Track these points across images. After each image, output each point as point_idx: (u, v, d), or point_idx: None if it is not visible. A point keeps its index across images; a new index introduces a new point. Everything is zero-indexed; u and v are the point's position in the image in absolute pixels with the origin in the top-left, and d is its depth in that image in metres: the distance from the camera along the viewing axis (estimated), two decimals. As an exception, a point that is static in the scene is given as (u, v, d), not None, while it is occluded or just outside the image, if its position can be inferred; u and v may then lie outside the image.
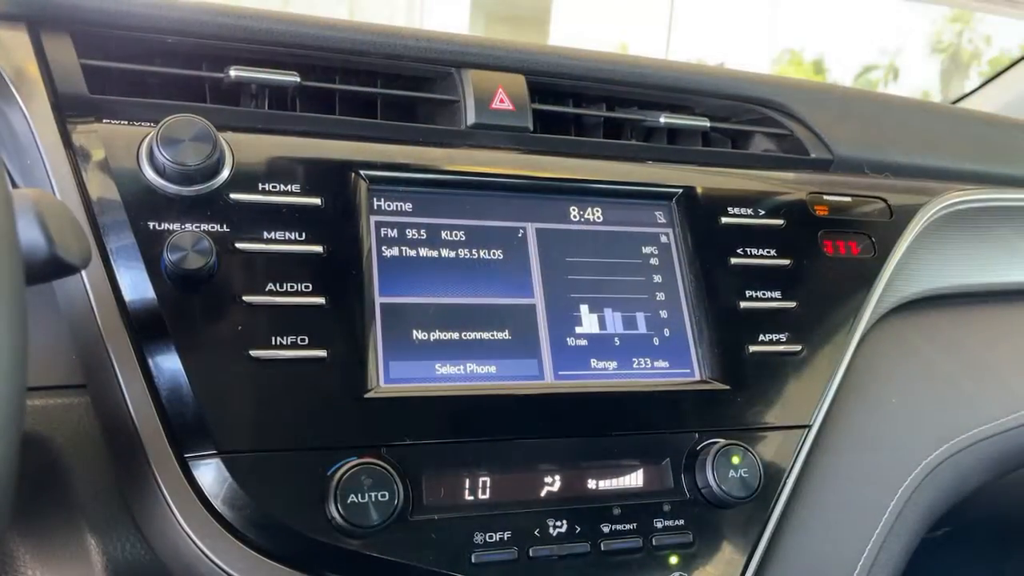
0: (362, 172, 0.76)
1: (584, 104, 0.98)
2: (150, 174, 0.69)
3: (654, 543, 0.76)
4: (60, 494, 0.69)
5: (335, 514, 0.65)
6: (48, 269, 0.52)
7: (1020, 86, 1.53)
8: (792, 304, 0.87)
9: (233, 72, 0.80)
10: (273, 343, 0.68)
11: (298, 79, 0.82)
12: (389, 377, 0.72)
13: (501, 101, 0.88)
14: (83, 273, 0.67)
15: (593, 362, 0.79)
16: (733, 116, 1.06)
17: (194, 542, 0.65)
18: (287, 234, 0.71)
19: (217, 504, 0.65)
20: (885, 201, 0.99)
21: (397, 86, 0.89)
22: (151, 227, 0.68)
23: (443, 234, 0.78)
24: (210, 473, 0.65)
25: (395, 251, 0.76)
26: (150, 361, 0.66)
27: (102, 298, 0.67)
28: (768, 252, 0.89)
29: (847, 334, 0.90)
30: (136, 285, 0.67)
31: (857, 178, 1.03)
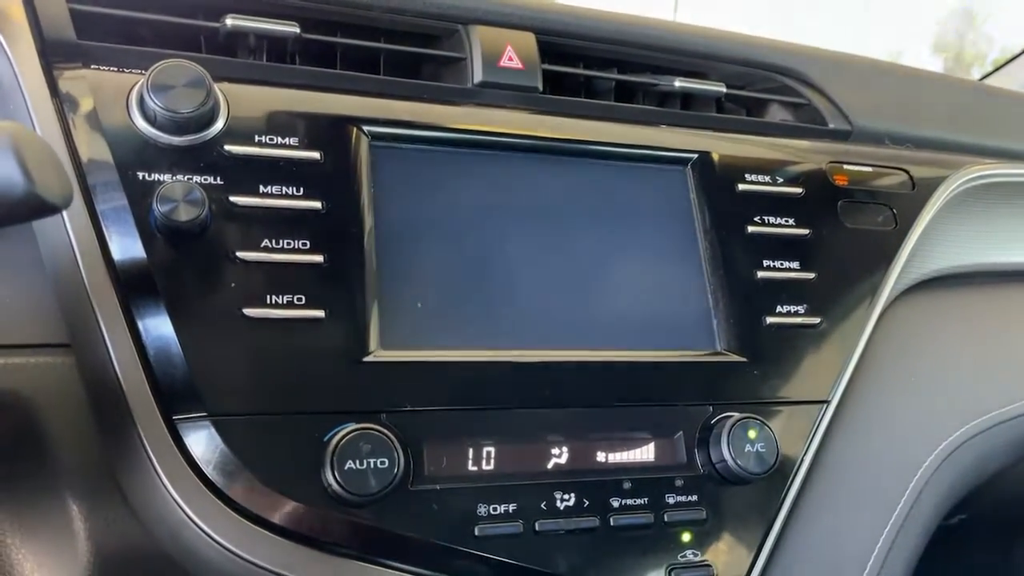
0: (364, 127, 0.73)
1: (596, 67, 0.94)
2: (140, 122, 0.66)
3: (666, 519, 0.73)
4: (42, 458, 0.66)
5: (331, 481, 0.62)
6: (25, 208, 0.48)
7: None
8: (811, 275, 0.84)
9: (229, 21, 0.76)
10: (268, 302, 0.65)
11: (297, 30, 0.78)
12: None
13: (510, 59, 0.85)
14: (68, 225, 0.64)
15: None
16: (749, 83, 1.02)
17: (182, 508, 0.62)
18: (284, 188, 0.68)
19: (206, 469, 0.62)
20: (907, 172, 0.96)
21: (401, 42, 0.85)
22: (140, 178, 0.64)
23: None
24: (199, 437, 0.62)
25: None
26: (138, 319, 0.63)
27: (88, 252, 0.64)
28: (786, 221, 0.86)
29: (867, 308, 0.87)
30: (124, 238, 0.64)
31: (878, 149, 0.99)
